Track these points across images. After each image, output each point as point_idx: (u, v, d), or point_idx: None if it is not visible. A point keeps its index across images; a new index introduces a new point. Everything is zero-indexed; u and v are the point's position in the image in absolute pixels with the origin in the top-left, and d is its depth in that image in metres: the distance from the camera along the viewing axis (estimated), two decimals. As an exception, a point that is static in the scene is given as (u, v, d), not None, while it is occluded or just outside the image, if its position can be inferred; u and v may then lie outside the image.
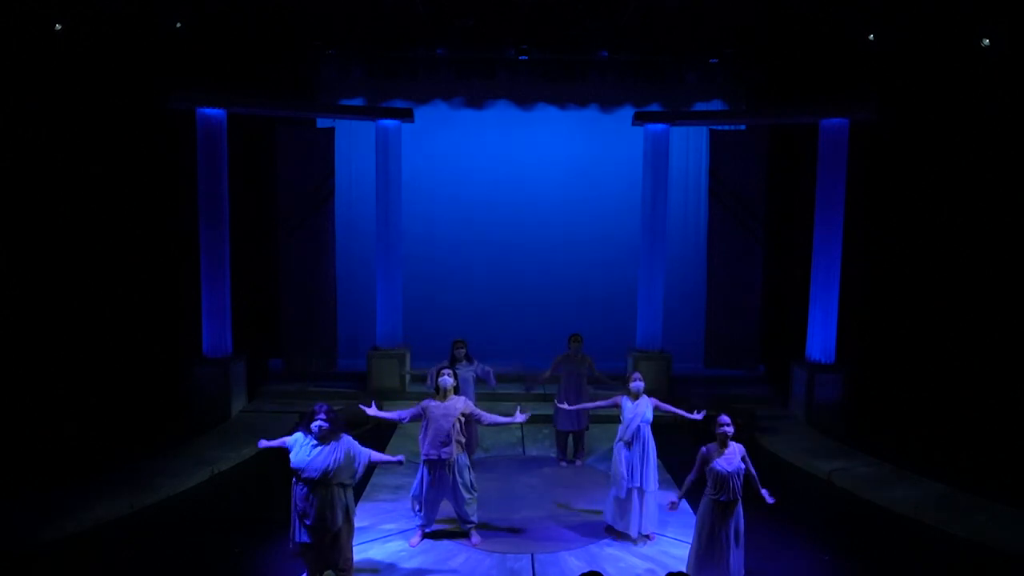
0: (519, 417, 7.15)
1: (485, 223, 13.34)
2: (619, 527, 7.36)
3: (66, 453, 8.96)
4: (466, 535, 7.28)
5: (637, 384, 7.37)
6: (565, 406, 8.66)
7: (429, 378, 8.03)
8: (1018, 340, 10.71)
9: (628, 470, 7.22)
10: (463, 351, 9.26)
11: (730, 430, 6.02)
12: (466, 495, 7.19)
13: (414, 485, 7.31)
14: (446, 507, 7.38)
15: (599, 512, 7.80)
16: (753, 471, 6.13)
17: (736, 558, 5.96)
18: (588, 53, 12.63)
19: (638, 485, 7.20)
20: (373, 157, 11.82)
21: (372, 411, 7.25)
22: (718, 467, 5.92)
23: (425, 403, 7.20)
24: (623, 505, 7.30)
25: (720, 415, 6.13)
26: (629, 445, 7.26)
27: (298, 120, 12.27)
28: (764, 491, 6.15)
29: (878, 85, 10.95)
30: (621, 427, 7.37)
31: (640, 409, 7.29)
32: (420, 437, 7.16)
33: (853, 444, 9.96)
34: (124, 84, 11.14)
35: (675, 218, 12.75)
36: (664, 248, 11.92)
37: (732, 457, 5.95)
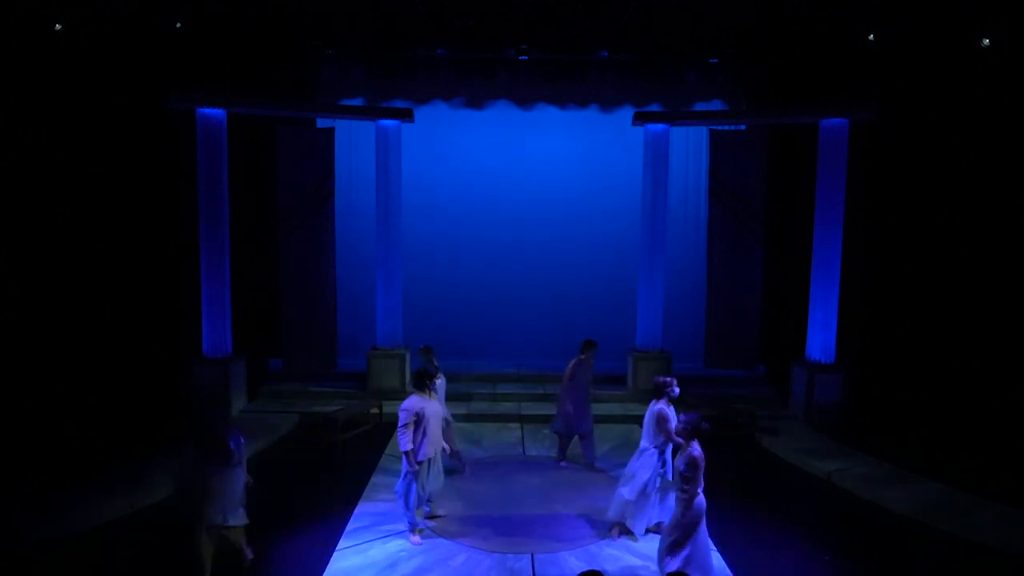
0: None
1: (485, 223, 13.36)
2: (627, 524, 7.33)
3: (66, 453, 8.96)
4: (434, 517, 7.59)
5: (676, 390, 7.33)
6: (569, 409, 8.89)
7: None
8: (1018, 340, 10.72)
9: (655, 476, 7.19)
10: (429, 358, 8.70)
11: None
12: (442, 481, 7.46)
13: (405, 487, 7.20)
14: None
15: (599, 512, 7.79)
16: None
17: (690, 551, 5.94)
18: (588, 53, 12.64)
19: (658, 485, 7.22)
20: (373, 157, 11.83)
21: (414, 471, 7.16)
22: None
23: (413, 407, 7.03)
24: (631, 505, 7.27)
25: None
26: (663, 451, 7.25)
27: (298, 120, 12.28)
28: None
29: (878, 85, 10.96)
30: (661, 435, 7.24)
31: (673, 414, 7.26)
32: (417, 441, 7.02)
33: (853, 444, 9.96)
34: (124, 84, 11.15)
35: (675, 218, 12.76)
36: (664, 248, 11.93)
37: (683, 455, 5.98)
